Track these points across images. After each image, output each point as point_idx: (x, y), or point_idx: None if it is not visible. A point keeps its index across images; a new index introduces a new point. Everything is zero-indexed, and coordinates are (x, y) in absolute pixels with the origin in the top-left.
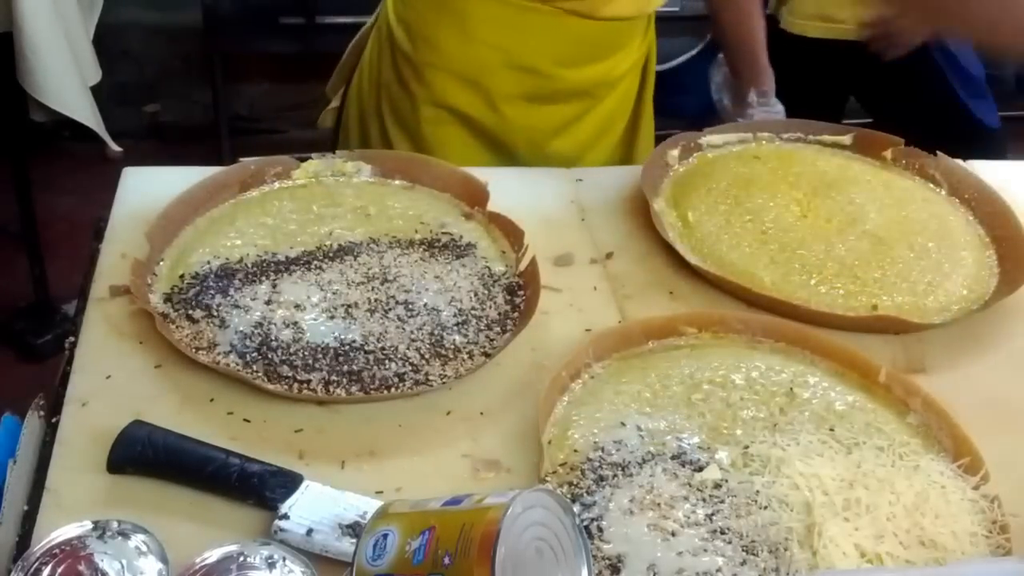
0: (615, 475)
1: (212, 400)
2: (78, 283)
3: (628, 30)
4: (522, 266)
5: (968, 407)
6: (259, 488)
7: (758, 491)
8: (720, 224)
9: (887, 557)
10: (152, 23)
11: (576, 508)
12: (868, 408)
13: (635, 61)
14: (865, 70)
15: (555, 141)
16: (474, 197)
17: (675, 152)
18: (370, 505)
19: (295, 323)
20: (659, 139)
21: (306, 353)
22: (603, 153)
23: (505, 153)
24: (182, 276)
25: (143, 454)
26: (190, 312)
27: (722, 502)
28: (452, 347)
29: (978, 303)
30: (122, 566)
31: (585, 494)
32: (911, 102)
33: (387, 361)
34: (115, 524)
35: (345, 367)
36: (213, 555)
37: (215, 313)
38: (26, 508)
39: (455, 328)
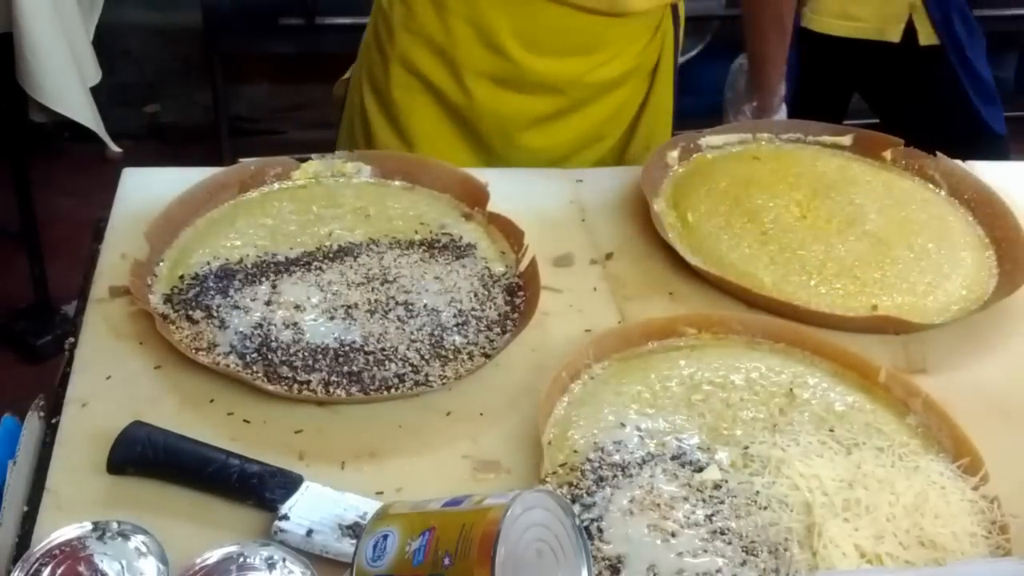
0: (615, 476)
1: (212, 401)
2: (78, 284)
3: (610, 29)
4: (522, 267)
5: (968, 408)
6: (259, 489)
7: (758, 492)
8: (720, 225)
9: (887, 557)
10: (152, 24)
11: (576, 509)
12: (868, 409)
13: (632, 69)
14: (880, 69)
15: (527, 135)
16: (474, 198)
17: (675, 153)
18: (370, 506)
19: (295, 324)
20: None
21: (306, 354)
22: (590, 161)
23: (475, 138)
24: (182, 277)
25: (143, 455)
26: (190, 313)
27: (722, 503)
28: (452, 348)
29: (977, 303)
30: (122, 567)
31: (585, 495)
32: (923, 103)
33: (387, 362)
34: (115, 525)
35: (345, 368)
36: (213, 556)
37: (215, 314)
38: (26, 509)
39: (455, 329)
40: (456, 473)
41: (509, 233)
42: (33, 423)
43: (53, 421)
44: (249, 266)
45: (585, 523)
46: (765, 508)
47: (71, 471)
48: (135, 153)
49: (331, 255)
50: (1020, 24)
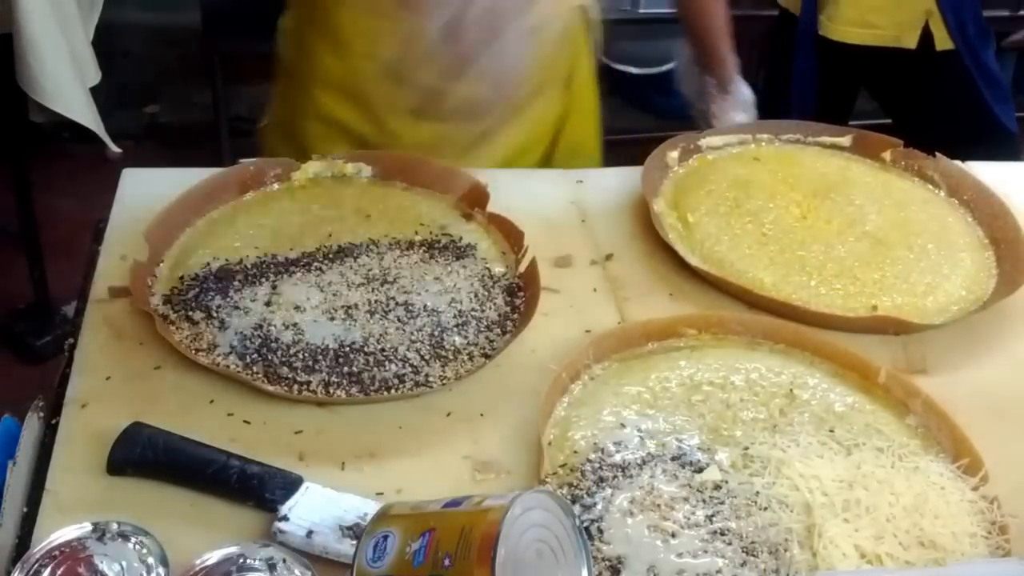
0: (615, 476)
1: (212, 401)
2: (78, 284)
3: None
4: (522, 267)
5: (967, 408)
6: (259, 490)
7: (758, 492)
8: (720, 225)
9: (887, 558)
10: (152, 24)
11: (576, 509)
12: (868, 409)
13: (542, 81)
14: (897, 75)
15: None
16: (474, 198)
17: (675, 154)
18: (370, 507)
19: (295, 324)
20: (658, 141)
21: (306, 354)
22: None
23: None
24: (182, 277)
25: (143, 455)
26: (190, 313)
27: (722, 503)
28: (452, 348)
29: (977, 304)
30: (122, 568)
31: (585, 495)
32: (939, 106)
33: (387, 362)
34: (115, 526)
35: (345, 368)
36: (213, 557)
37: (215, 314)
38: (25, 510)
39: (455, 329)
40: (456, 474)
41: (509, 234)
42: (33, 424)
43: (53, 422)
44: (249, 267)
45: (585, 524)
46: (765, 509)
47: (71, 472)
48: (135, 154)
49: (331, 256)
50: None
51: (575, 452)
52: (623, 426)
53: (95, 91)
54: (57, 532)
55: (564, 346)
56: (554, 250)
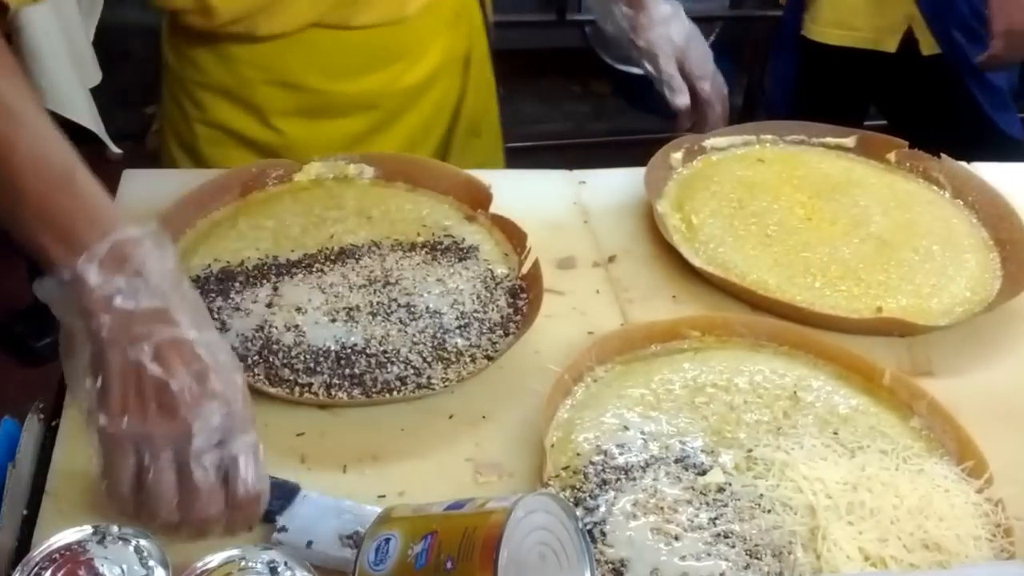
0: (618, 479)
1: None
2: None
3: (406, 34)
4: (524, 269)
5: (972, 410)
6: None
7: (762, 495)
8: (724, 227)
9: (891, 560)
10: (152, 24)
11: (579, 512)
12: (872, 411)
13: (441, 64)
14: (884, 78)
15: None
16: (476, 199)
17: (678, 155)
18: (368, 514)
19: (296, 326)
20: (661, 142)
21: (307, 356)
22: None
23: None
24: None
25: None
26: None
27: (725, 506)
28: (454, 350)
29: (982, 305)
30: (122, 571)
31: (588, 498)
32: (932, 111)
33: (389, 364)
34: (115, 529)
35: (347, 370)
36: (214, 560)
37: (215, 316)
38: (25, 512)
39: (457, 331)
40: (458, 476)
41: (512, 235)
42: (33, 426)
43: (53, 424)
44: (250, 268)
45: (588, 526)
46: (769, 511)
47: (71, 474)
48: (135, 155)
49: (333, 257)
50: None
51: (578, 454)
52: (626, 428)
53: (95, 92)
54: (57, 535)
55: (567, 348)
56: (557, 251)
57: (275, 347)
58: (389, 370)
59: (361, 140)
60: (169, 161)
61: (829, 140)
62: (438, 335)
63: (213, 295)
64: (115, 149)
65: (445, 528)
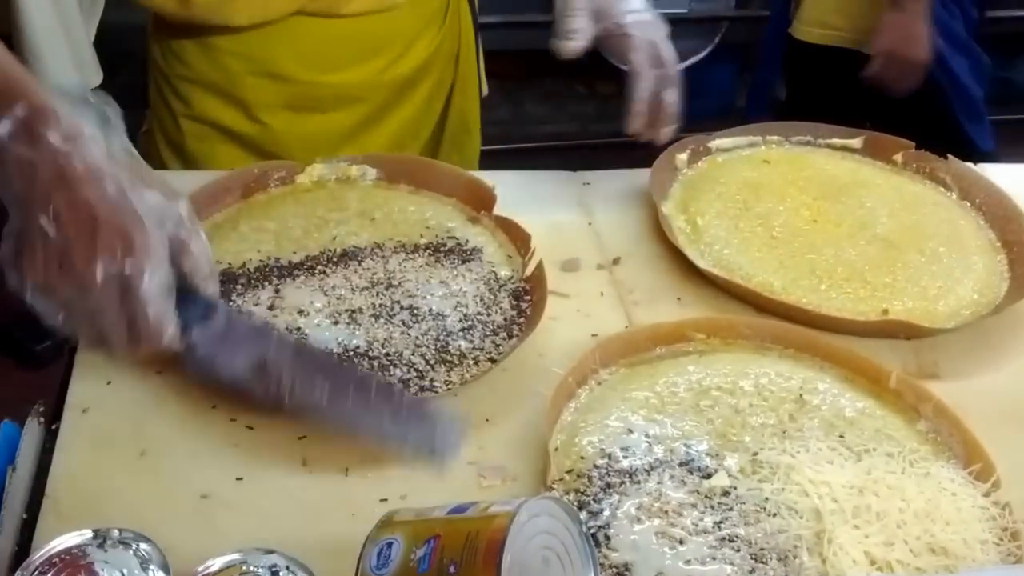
0: (622, 482)
1: (214, 407)
2: None
3: (392, 25)
4: (528, 271)
5: (979, 413)
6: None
7: (767, 498)
8: (729, 228)
9: (897, 564)
10: None
11: (583, 516)
12: (878, 414)
13: (429, 57)
14: (862, 80)
15: (341, 151)
16: (480, 201)
17: (684, 156)
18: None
19: (298, 329)
20: (668, 143)
21: None
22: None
23: None
24: None
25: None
26: None
27: (731, 509)
28: (457, 353)
29: (989, 308)
30: (123, 575)
31: (592, 501)
32: (907, 115)
33: (391, 367)
34: (116, 532)
35: None
36: (215, 564)
37: None
38: (25, 516)
39: (460, 334)
40: (461, 480)
41: (515, 237)
42: (33, 429)
43: (53, 427)
44: (252, 270)
45: (592, 530)
46: (774, 515)
47: (71, 478)
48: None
49: (335, 259)
50: None
51: (582, 458)
52: (630, 431)
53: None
54: (57, 539)
55: (571, 350)
56: (561, 253)
57: None
58: (392, 373)
59: (349, 135)
60: (157, 159)
61: (835, 141)
62: (441, 338)
63: None
64: None
65: (448, 532)
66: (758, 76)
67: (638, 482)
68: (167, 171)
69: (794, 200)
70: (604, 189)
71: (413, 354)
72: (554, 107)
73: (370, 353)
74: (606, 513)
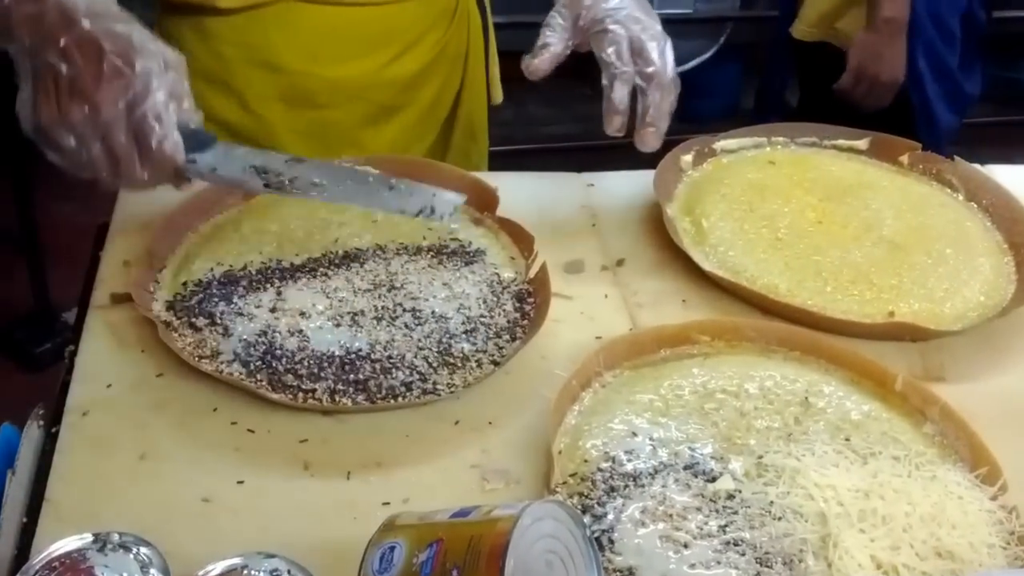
0: (626, 486)
1: (215, 410)
2: (78, 290)
3: (393, 19)
4: (532, 273)
5: (986, 416)
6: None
7: (772, 502)
8: (734, 230)
9: (903, 568)
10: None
11: (587, 519)
12: (884, 417)
13: (434, 59)
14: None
15: (343, 152)
16: (483, 202)
17: (688, 157)
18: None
19: (300, 331)
20: (672, 143)
21: (311, 362)
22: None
23: None
24: (185, 283)
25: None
26: (193, 320)
27: (735, 513)
28: (460, 355)
29: (996, 310)
30: None
31: (596, 505)
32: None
33: (394, 370)
34: (116, 536)
35: (351, 376)
36: (216, 568)
37: (218, 321)
38: (25, 520)
39: (463, 336)
40: (464, 483)
41: (519, 238)
42: (32, 432)
43: (53, 430)
44: (253, 272)
45: (596, 534)
46: (779, 518)
47: (71, 481)
48: None
49: (337, 261)
50: None
51: (586, 461)
52: (635, 435)
53: None
54: (57, 543)
55: (575, 353)
56: (564, 255)
57: (279, 352)
58: (394, 376)
59: (348, 135)
60: None
61: (841, 142)
62: (444, 340)
63: (216, 300)
64: None
65: (451, 536)
66: (766, 79)
67: (642, 485)
68: None
69: (799, 201)
70: (608, 190)
71: (416, 357)
72: (558, 108)
73: (372, 356)
74: (610, 517)
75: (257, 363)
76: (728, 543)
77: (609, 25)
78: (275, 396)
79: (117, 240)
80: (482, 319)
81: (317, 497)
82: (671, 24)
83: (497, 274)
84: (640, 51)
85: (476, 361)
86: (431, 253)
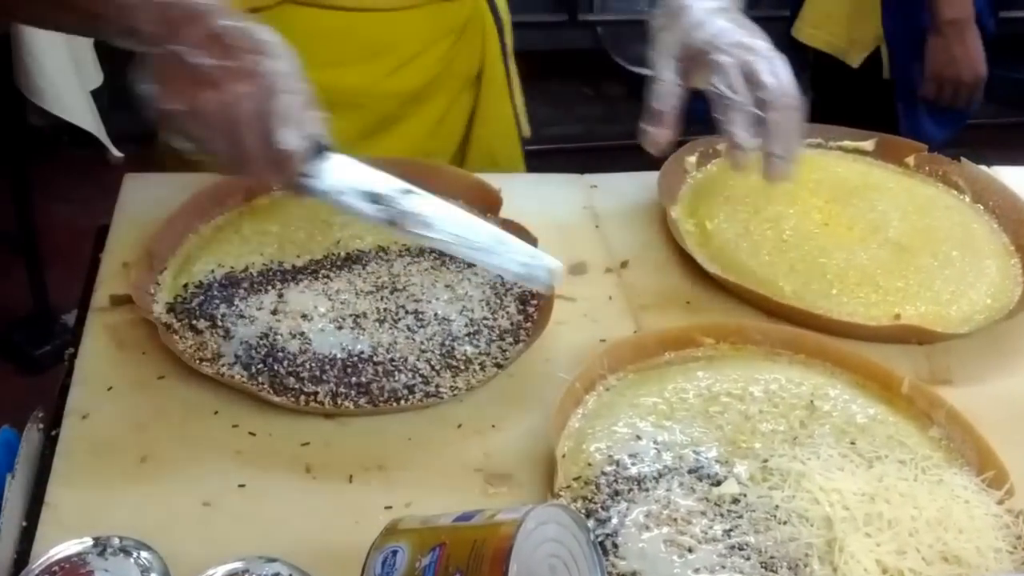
0: (630, 489)
1: (216, 413)
2: (78, 292)
3: (390, 28)
4: None
5: (992, 419)
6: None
7: (777, 506)
8: (739, 232)
9: (909, 573)
10: None
11: (591, 523)
12: (890, 421)
13: (439, 75)
14: (840, 85)
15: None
16: (486, 203)
17: (692, 158)
18: (396, 184)
19: (302, 333)
20: (676, 144)
21: (313, 364)
22: None
23: None
24: (186, 285)
25: None
26: (194, 322)
27: (740, 517)
28: (463, 358)
29: (1003, 313)
30: None
31: (600, 509)
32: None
33: (396, 372)
34: (116, 540)
35: (353, 379)
36: (217, 572)
37: (219, 323)
38: (24, 524)
39: (466, 338)
40: (467, 487)
41: (522, 240)
42: (32, 435)
43: (53, 433)
44: (255, 274)
45: (600, 538)
46: (785, 523)
47: (71, 485)
48: (137, 158)
49: (339, 263)
50: None
51: (589, 465)
52: (639, 438)
53: (96, 94)
54: (57, 547)
55: (578, 356)
56: (568, 257)
57: (280, 355)
58: (396, 378)
59: (348, 144)
60: (160, 159)
61: (847, 143)
62: (447, 342)
63: (217, 302)
64: (116, 153)
65: (453, 540)
66: None
67: (646, 489)
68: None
69: (805, 203)
70: (612, 192)
71: (418, 359)
72: (561, 109)
73: (374, 358)
74: (614, 521)
75: (259, 366)
76: (733, 547)
77: (714, 56)
78: (277, 399)
79: (117, 241)
80: (485, 321)
81: (319, 501)
82: None
83: (500, 276)
84: (751, 75)
85: (479, 364)
86: (434, 255)
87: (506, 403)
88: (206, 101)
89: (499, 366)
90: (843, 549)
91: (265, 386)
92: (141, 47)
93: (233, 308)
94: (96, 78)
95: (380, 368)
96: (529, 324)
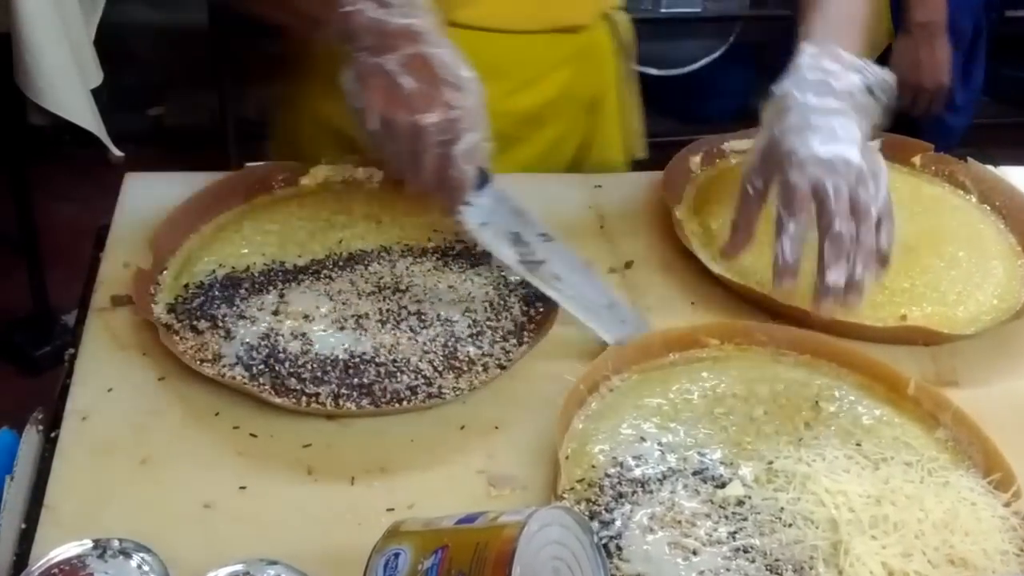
0: (635, 492)
1: (217, 414)
2: (78, 293)
3: (516, 51)
4: None
5: (999, 421)
6: None
7: (782, 508)
8: None
9: None
10: (156, 23)
11: (594, 526)
12: (896, 422)
13: (555, 99)
14: None
15: None
16: None
17: (697, 158)
18: (535, 228)
19: (303, 334)
20: (681, 144)
21: (314, 365)
22: None
23: None
24: (186, 286)
25: None
26: (194, 323)
27: (745, 519)
28: (466, 359)
29: (1009, 313)
30: None
31: (604, 511)
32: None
33: (399, 373)
34: (116, 543)
35: (355, 380)
36: (218, 575)
37: (220, 324)
38: (24, 526)
39: (469, 339)
40: (470, 489)
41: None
42: (31, 437)
43: (52, 435)
44: (256, 274)
45: (603, 541)
46: (790, 525)
47: (71, 486)
48: (138, 158)
49: (341, 263)
50: None
51: (593, 466)
52: (643, 440)
53: (97, 93)
54: (56, 549)
55: (582, 357)
56: None
57: (281, 356)
58: (399, 379)
59: None
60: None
61: None
62: (449, 343)
63: (217, 302)
64: (116, 152)
65: (456, 543)
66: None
67: (650, 491)
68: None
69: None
70: (616, 192)
71: (421, 360)
72: None
73: (377, 359)
74: (618, 523)
75: (260, 367)
76: (737, 550)
77: (788, 175)
78: (278, 400)
79: (117, 241)
80: (488, 322)
81: (320, 503)
82: (678, 23)
83: (504, 277)
84: (816, 192)
85: (482, 365)
86: (437, 255)
87: (509, 404)
88: (400, 118)
89: (502, 367)
90: (849, 551)
91: (266, 387)
92: (355, 53)
93: (234, 308)
94: (96, 77)
95: (382, 369)
96: (533, 325)
